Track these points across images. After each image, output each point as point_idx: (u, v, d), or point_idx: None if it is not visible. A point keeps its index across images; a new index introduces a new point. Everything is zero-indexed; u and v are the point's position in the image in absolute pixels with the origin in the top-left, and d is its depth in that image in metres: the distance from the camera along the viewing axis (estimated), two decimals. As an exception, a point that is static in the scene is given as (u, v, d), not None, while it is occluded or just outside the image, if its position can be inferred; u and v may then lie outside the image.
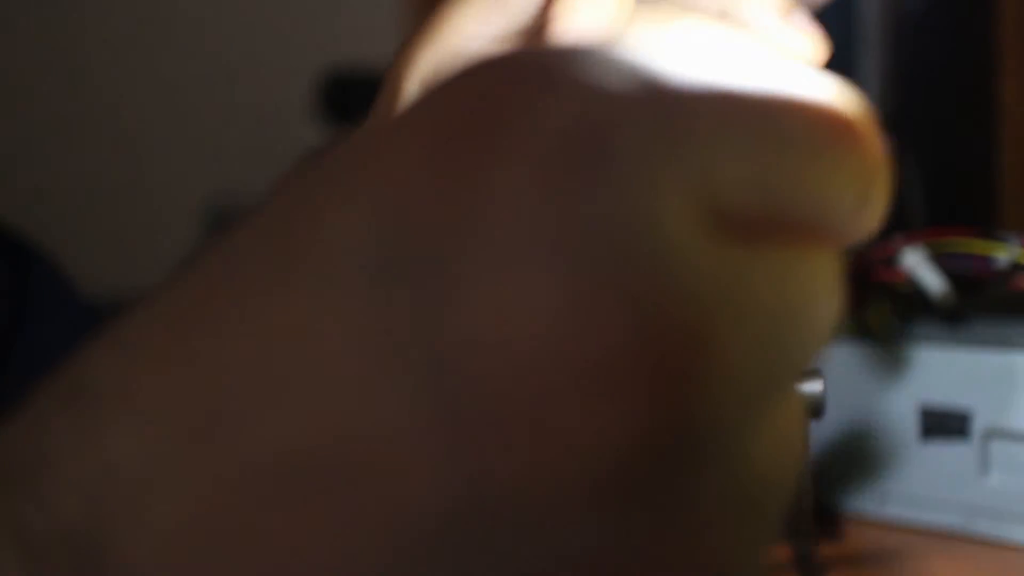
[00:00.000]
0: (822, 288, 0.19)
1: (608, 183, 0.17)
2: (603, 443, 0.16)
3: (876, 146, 0.19)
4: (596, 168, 0.17)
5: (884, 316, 0.52)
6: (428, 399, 0.17)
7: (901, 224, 0.75)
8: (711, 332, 0.17)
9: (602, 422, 0.16)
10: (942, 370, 0.48)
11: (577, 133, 0.17)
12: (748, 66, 0.19)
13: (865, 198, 0.19)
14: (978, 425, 0.47)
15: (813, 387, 0.41)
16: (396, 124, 0.18)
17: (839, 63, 0.73)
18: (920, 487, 0.49)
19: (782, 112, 0.18)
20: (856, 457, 0.51)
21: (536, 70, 0.18)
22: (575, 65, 0.18)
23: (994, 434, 0.47)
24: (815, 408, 0.41)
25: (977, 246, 0.50)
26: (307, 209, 0.18)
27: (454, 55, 0.36)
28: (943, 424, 0.48)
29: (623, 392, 0.16)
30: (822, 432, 0.49)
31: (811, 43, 0.35)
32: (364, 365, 0.17)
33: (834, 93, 0.19)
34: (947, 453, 0.48)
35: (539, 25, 0.34)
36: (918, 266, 0.51)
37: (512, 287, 0.16)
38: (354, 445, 0.17)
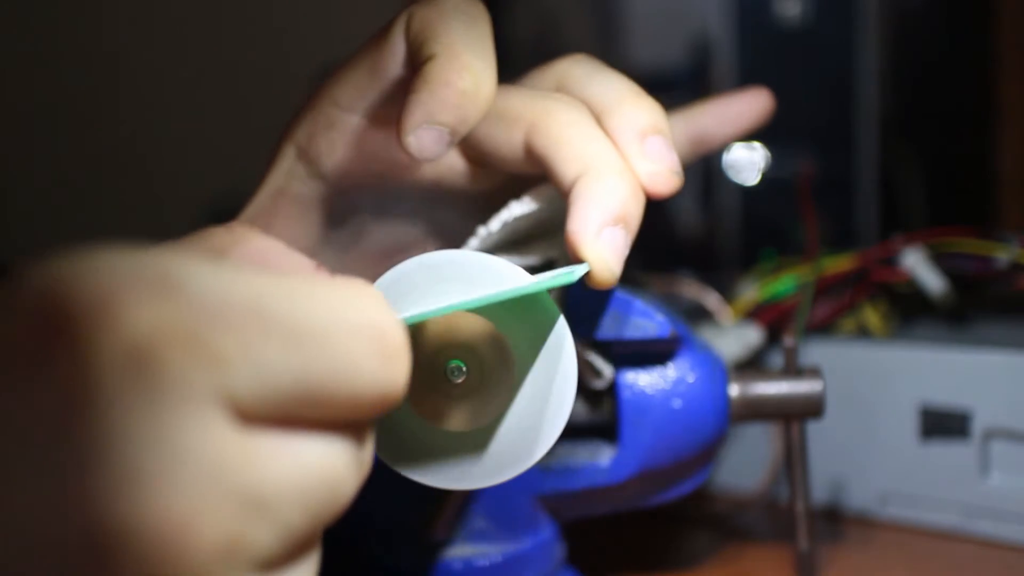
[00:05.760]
0: (344, 470, 0.23)
1: (149, 403, 0.20)
2: None
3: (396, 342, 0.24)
4: (137, 390, 0.20)
5: (884, 316, 0.52)
6: None
7: (901, 224, 0.75)
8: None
9: None
10: (942, 370, 0.48)
11: (124, 358, 0.20)
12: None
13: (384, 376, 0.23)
14: (978, 425, 0.47)
15: (813, 387, 0.41)
16: None
17: (839, 63, 0.73)
18: (920, 487, 0.49)
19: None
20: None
21: (89, 300, 0.21)
22: (137, 285, 0.21)
23: (994, 434, 0.47)
24: (815, 408, 0.41)
25: (977, 246, 0.50)
26: None
27: (331, 125, 0.38)
28: (943, 424, 0.48)
29: None
30: (822, 432, 0.49)
31: (659, 169, 0.36)
32: None
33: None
34: (947, 453, 0.48)
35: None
36: (918, 266, 0.51)
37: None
38: None
